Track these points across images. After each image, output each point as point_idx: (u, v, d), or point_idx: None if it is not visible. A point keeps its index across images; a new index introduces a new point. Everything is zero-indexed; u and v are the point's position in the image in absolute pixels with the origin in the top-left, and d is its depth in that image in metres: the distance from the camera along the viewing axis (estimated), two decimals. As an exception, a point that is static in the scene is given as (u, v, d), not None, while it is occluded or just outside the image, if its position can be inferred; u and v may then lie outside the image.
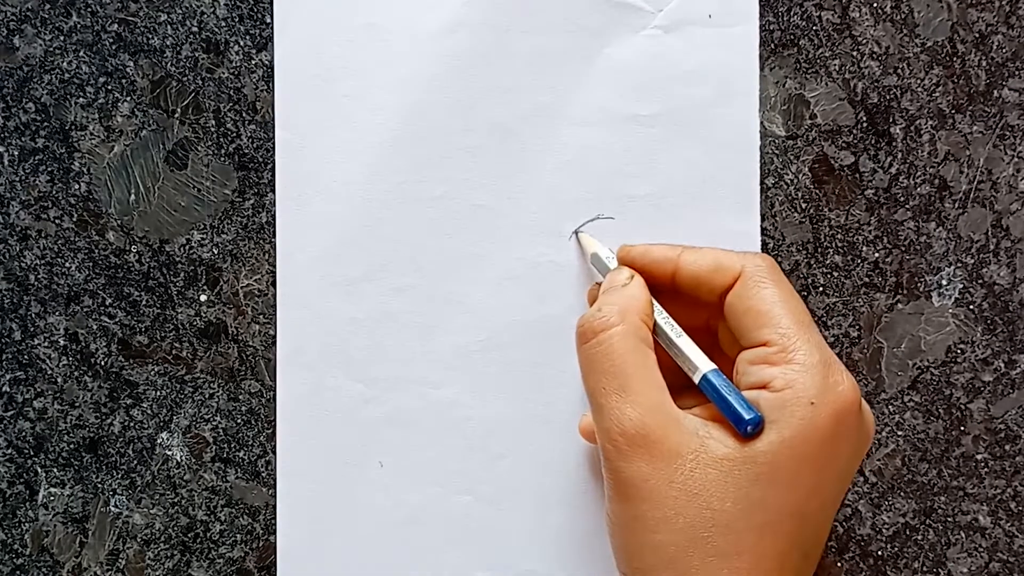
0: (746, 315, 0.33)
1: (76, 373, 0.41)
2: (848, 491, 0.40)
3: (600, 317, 0.33)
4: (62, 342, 0.41)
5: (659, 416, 0.31)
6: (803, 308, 0.33)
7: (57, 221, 0.41)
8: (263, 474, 0.41)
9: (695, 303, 0.35)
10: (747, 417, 0.31)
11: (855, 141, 0.40)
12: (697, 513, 0.30)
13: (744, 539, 0.30)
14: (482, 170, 0.40)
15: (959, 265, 0.40)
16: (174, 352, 0.41)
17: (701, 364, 0.33)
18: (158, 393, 0.41)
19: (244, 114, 0.41)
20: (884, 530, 0.40)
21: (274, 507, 0.40)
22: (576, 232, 0.40)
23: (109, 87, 0.41)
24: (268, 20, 0.40)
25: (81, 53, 0.41)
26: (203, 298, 0.41)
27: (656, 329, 0.35)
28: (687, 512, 0.30)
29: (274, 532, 0.40)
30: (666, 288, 0.36)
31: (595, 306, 0.34)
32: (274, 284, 0.40)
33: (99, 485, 0.41)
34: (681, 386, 0.34)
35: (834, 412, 0.31)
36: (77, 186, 0.41)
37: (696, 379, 0.33)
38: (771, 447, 0.30)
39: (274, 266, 0.40)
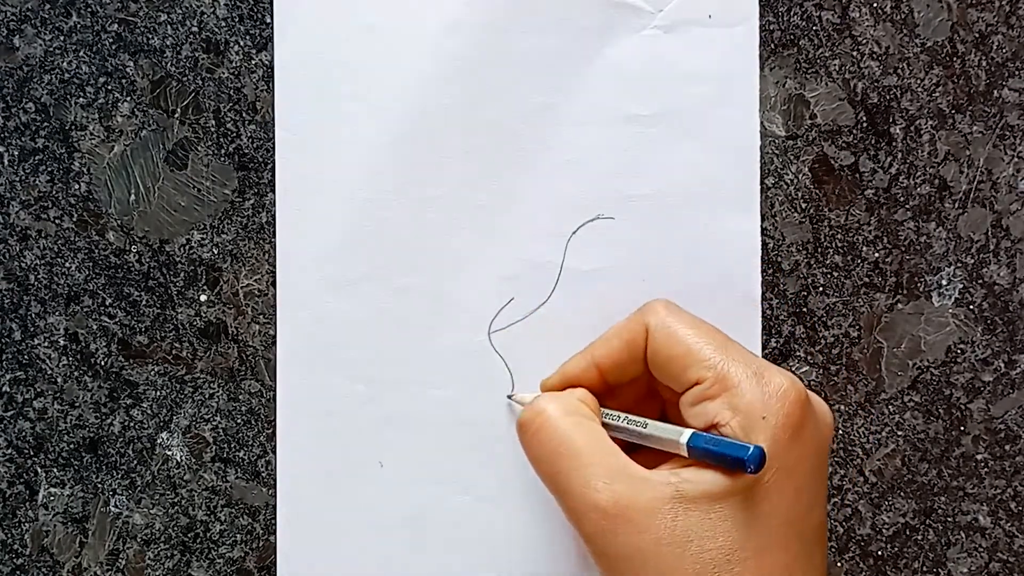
0: (668, 364, 0.33)
1: (76, 373, 0.41)
2: (848, 491, 0.40)
3: (533, 407, 0.34)
4: (62, 342, 0.41)
5: (625, 479, 0.31)
6: (714, 330, 0.33)
7: (57, 221, 0.41)
8: (263, 474, 0.41)
9: (634, 385, 0.36)
10: (747, 455, 0.29)
11: (855, 141, 0.40)
12: (696, 558, 0.30)
13: (749, 566, 0.30)
14: (482, 170, 0.40)
15: (959, 265, 0.40)
16: (174, 352, 0.41)
17: (679, 435, 0.32)
18: (158, 393, 0.41)
19: (244, 114, 0.41)
20: (884, 530, 0.40)
21: (274, 507, 0.40)
22: (509, 397, 0.40)
23: (109, 87, 0.41)
24: (268, 20, 0.40)
25: (81, 53, 0.41)
26: (203, 298, 0.41)
27: (620, 431, 0.34)
28: (686, 562, 0.30)
29: (274, 532, 0.40)
30: (607, 391, 0.36)
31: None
32: (274, 284, 0.40)
33: (99, 485, 0.41)
34: (635, 455, 0.33)
35: (786, 415, 0.31)
36: (77, 186, 0.41)
37: (684, 451, 0.32)
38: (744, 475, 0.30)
39: (274, 266, 0.40)
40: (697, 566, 0.30)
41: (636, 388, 0.36)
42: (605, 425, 0.35)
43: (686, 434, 0.32)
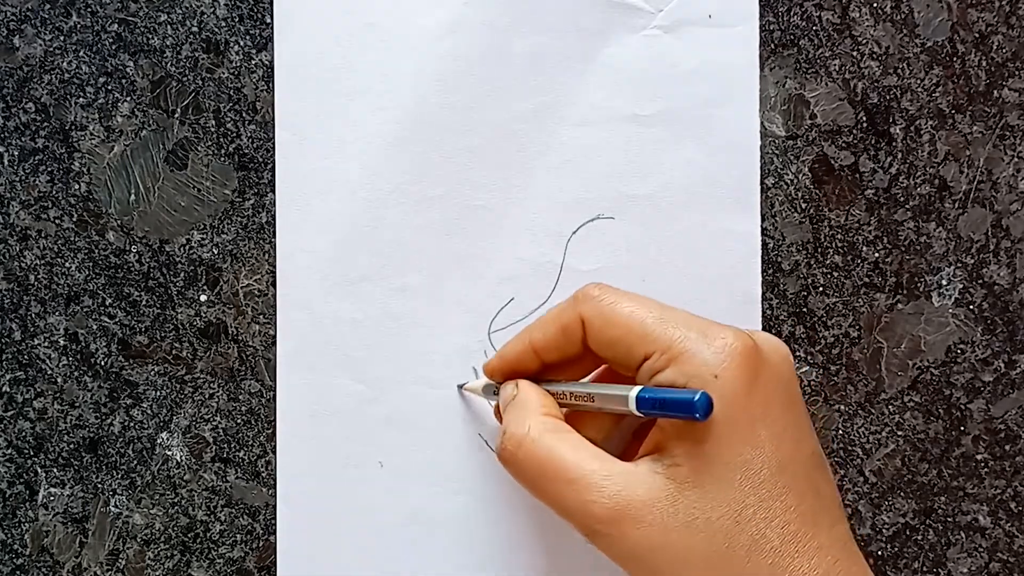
0: (613, 347, 0.33)
1: (76, 373, 0.41)
2: (848, 491, 0.40)
3: (508, 438, 0.34)
4: (62, 342, 0.41)
5: (616, 481, 0.31)
6: (651, 302, 0.33)
7: (57, 221, 0.41)
8: (263, 474, 0.41)
9: (575, 364, 0.36)
10: (696, 400, 0.30)
11: (855, 141, 0.40)
12: (706, 531, 0.30)
13: (757, 520, 0.30)
14: (482, 170, 0.40)
15: (959, 265, 0.40)
16: (174, 352, 0.41)
17: (627, 392, 0.32)
18: (158, 393, 0.41)
19: (244, 114, 0.41)
20: (884, 530, 0.40)
21: (274, 507, 0.40)
22: (459, 387, 0.40)
23: (109, 87, 0.41)
24: (268, 20, 0.40)
25: (81, 53, 0.41)
26: (203, 298, 0.41)
27: (567, 403, 0.34)
28: (697, 538, 0.30)
29: (274, 532, 0.40)
30: (548, 369, 0.36)
31: (500, 432, 0.34)
32: (274, 284, 0.40)
33: (99, 485, 0.41)
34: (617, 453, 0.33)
35: (737, 367, 0.31)
36: (77, 186, 0.41)
37: (633, 407, 0.32)
38: (718, 436, 0.30)
39: (274, 266, 0.40)
40: (709, 537, 0.30)
41: (583, 369, 0.36)
42: (554, 398, 0.35)
43: (634, 391, 0.32)
